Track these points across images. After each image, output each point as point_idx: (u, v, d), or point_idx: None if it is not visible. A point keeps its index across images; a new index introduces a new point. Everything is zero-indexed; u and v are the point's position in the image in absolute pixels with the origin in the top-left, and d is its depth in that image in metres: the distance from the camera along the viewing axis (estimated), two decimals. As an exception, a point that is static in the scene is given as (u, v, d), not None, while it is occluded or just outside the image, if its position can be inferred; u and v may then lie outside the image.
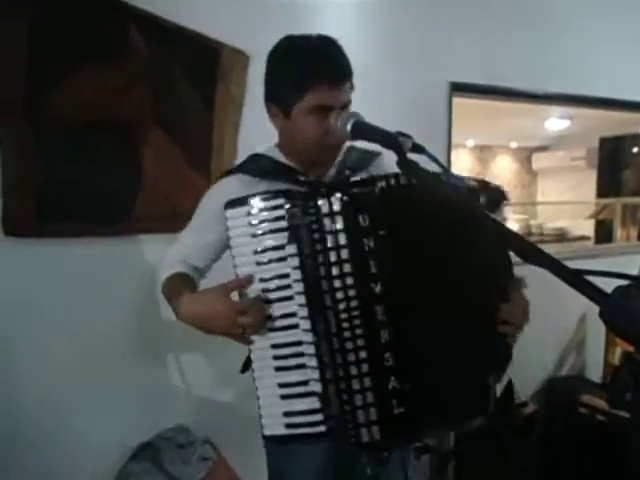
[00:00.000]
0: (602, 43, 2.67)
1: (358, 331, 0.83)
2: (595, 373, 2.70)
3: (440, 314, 0.87)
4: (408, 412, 0.84)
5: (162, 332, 1.77)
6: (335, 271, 0.83)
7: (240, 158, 1.83)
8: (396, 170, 1.10)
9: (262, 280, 0.90)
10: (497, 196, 0.91)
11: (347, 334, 0.83)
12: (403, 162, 0.79)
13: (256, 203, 0.90)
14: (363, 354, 0.83)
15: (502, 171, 6.95)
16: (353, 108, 1.00)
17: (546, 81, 2.55)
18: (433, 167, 0.79)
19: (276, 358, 0.90)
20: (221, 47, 1.74)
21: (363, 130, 0.88)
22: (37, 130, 1.41)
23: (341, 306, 0.83)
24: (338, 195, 0.83)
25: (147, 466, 1.66)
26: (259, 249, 0.89)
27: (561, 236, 6.03)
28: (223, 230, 0.94)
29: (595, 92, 2.74)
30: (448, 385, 0.88)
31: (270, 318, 0.90)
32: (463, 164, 6.52)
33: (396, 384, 0.84)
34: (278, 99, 1.02)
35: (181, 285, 1.02)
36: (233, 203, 0.91)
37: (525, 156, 7.06)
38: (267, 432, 0.92)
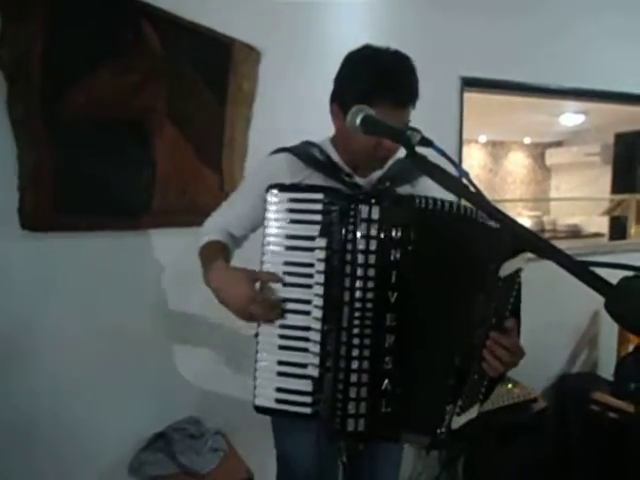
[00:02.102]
0: (617, 37, 2.63)
1: (367, 331, 0.89)
2: (607, 370, 2.67)
3: (437, 334, 0.93)
4: (393, 413, 0.91)
5: (175, 325, 1.80)
6: (360, 272, 0.88)
7: (250, 153, 1.87)
8: (436, 192, 1.17)
9: (286, 263, 0.95)
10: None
11: (356, 331, 0.89)
12: (412, 156, 0.79)
13: (298, 192, 0.96)
14: (366, 352, 0.89)
15: (515, 167, 6.89)
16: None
17: (560, 75, 2.53)
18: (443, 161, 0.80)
19: (282, 337, 0.96)
20: (233, 43, 1.76)
21: (372, 124, 0.88)
22: (53, 126, 1.43)
23: (357, 305, 0.89)
24: (380, 205, 0.88)
25: (160, 456, 1.69)
26: (292, 234, 0.95)
27: (575, 232, 5.97)
28: (263, 207, 0.98)
29: (610, 86, 2.70)
30: (426, 398, 0.94)
31: (284, 300, 0.95)
32: (475, 160, 6.47)
33: (389, 386, 0.91)
34: (342, 103, 1.07)
35: (217, 252, 1.09)
36: (277, 187, 0.96)
37: (538, 152, 6.99)
38: (257, 402, 0.98)
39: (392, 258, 0.88)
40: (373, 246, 0.88)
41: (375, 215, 0.88)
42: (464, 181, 0.76)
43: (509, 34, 2.37)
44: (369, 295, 0.88)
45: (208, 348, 1.87)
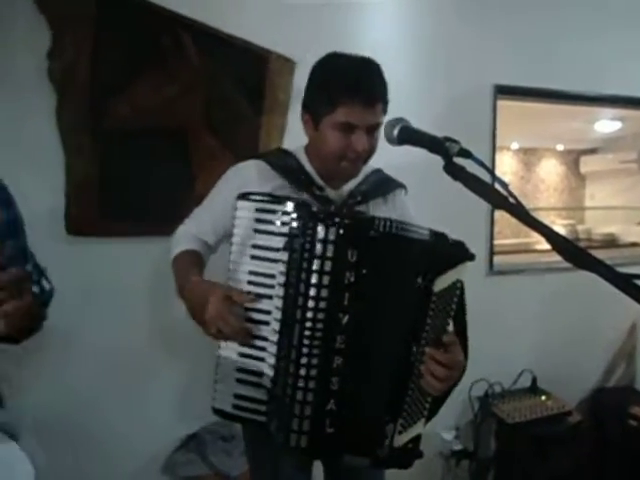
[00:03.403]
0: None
1: (315, 351, 0.88)
2: (646, 384, 2.61)
3: (383, 356, 0.93)
4: (336, 434, 0.90)
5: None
6: (312, 292, 0.87)
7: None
8: (408, 209, 1.19)
9: (251, 272, 0.95)
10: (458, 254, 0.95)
11: (305, 350, 0.88)
12: (450, 167, 0.80)
13: (267, 203, 0.95)
14: (314, 372, 0.88)
15: (548, 175, 6.74)
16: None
17: (595, 82, 2.48)
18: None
19: (243, 345, 0.96)
20: (269, 54, 1.80)
21: (409, 135, 0.89)
22: (99, 135, 1.50)
23: (308, 324, 0.88)
24: (336, 225, 0.87)
25: (192, 457, 1.73)
26: (257, 244, 0.94)
27: (611, 242, 5.78)
28: (233, 214, 0.98)
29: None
30: (365, 420, 0.94)
31: (247, 309, 0.94)
32: (507, 167, 6.36)
33: (334, 407, 0.89)
34: (311, 109, 1.08)
35: (191, 265, 1.09)
36: (246, 195, 0.96)
37: (572, 159, 6.81)
38: (216, 405, 0.98)
39: (346, 281, 0.87)
40: (328, 267, 0.87)
41: (331, 236, 0.86)
42: (503, 192, 0.76)
43: (542, 41, 2.35)
44: (320, 316, 0.87)
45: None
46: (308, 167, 1.14)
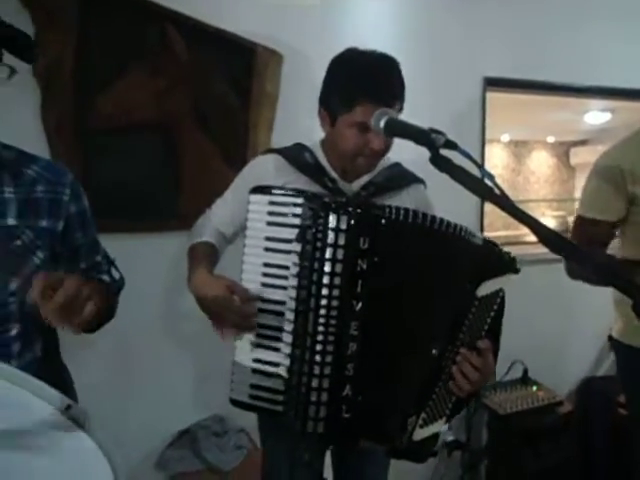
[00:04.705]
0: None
1: (330, 337, 0.90)
2: (635, 373, 2.62)
3: (402, 345, 0.93)
4: (353, 419, 0.91)
5: (201, 325, 1.83)
6: (325, 280, 0.89)
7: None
8: (429, 205, 1.21)
9: (265, 265, 0.97)
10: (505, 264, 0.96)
11: (320, 337, 0.90)
12: (436, 159, 0.80)
13: (279, 196, 0.96)
14: (329, 358, 0.90)
15: (538, 166, 6.77)
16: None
17: (584, 74, 2.49)
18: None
19: (258, 336, 0.97)
20: (256, 47, 1.79)
21: (396, 127, 0.89)
22: (84, 131, 1.48)
23: (322, 312, 0.89)
24: (347, 214, 0.88)
25: (185, 452, 1.73)
26: (270, 237, 0.96)
27: (601, 233, 5.82)
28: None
29: (636, 84, 2.65)
30: (386, 407, 0.95)
31: (262, 300, 0.97)
32: (498, 160, 6.38)
33: (350, 393, 0.90)
34: (328, 106, 1.10)
35: (203, 257, 1.12)
36: (259, 190, 0.98)
37: (563, 151, 6.85)
38: (233, 396, 1.00)
39: (358, 268, 0.88)
40: (340, 255, 0.88)
41: (343, 225, 0.87)
42: (489, 183, 0.76)
43: (532, 33, 2.35)
44: (334, 303, 0.89)
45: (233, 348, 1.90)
46: (324, 161, 1.17)
